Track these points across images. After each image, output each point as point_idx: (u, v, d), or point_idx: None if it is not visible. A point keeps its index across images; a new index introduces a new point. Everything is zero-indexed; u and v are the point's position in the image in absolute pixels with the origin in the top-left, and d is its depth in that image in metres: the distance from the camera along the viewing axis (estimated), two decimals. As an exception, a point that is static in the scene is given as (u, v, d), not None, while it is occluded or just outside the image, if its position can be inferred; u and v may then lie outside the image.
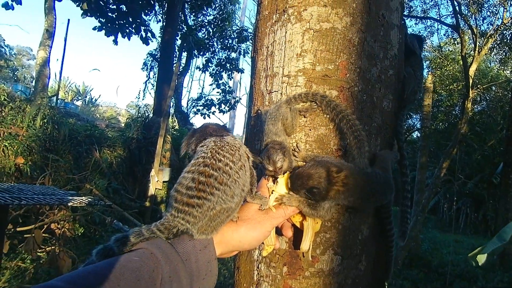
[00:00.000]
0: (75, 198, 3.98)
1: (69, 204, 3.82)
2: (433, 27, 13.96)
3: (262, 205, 0.98)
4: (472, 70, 10.40)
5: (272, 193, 1.03)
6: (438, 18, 12.87)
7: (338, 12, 1.32)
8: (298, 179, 0.99)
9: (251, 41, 19.21)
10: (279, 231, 1.09)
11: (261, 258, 1.30)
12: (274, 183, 1.06)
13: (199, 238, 0.84)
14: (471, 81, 10.26)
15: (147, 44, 15.06)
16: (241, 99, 24.20)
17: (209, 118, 19.85)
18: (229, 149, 0.91)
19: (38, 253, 5.76)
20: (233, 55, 20.24)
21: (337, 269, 1.25)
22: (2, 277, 5.00)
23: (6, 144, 7.90)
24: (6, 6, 11.71)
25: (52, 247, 6.04)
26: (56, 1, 12.35)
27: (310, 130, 1.27)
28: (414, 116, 19.16)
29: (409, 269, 9.40)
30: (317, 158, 1.12)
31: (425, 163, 10.39)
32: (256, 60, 1.55)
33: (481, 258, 5.16)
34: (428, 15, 13.14)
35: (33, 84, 14.23)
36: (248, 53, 20.06)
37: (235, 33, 19.60)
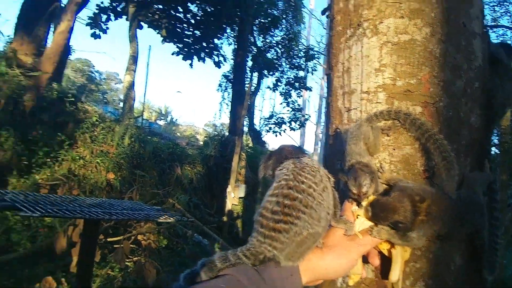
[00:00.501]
0: (161, 213, 4.24)
1: (155, 220, 4.06)
2: (505, 36, 12.53)
3: (348, 230, 0.93)
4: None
5: (357, 217, 0.98)
6: (511, 26, 11.63)
7: (416, 23, 1.25)
8: (382, 211, 0.93)
9: (317, 60, 19.31)
10: (365, 259, 1.03)
11: (346, 287, 1.24)
12: (358, 207, 1.01)
13: (285, 265, 0.82)
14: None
15: (219, 67, 16.02)
16: (310, 116, 24.00)
17: (281, 135, 20.00)
18: (310, 171, 0.88)
19: (126, 263, 6.14)
20: (301, 73, 20.37)
21: (429, 302, 1.14)
22: (93, 284, 5.43)
23: (99, 161, 8.71)
24: (94, 35, 13.44)
25: (139, 258, 6.45)
26: (137, 29, 13.59)
27: (394, 149, 1.20)
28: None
29: (493, 297, 8.38)
30: (400, 182, 1.06)
31: (505, 181, 9.35)
32: (332, 77, 1.51)
33: None
34: (499, 23, 11.91)
35: (121, 105, 15.63)
36: (316, 71, 20.17)
37: (302, 52, 19.68)
